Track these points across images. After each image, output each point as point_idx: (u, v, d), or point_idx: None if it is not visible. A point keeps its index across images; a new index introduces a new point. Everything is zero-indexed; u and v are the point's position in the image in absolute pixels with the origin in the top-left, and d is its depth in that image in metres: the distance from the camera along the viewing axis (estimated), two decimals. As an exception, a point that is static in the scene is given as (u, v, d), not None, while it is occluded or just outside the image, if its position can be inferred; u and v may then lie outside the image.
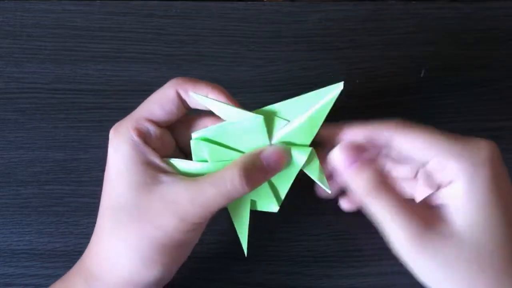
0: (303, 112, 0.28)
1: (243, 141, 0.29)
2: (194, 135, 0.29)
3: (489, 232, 0.25)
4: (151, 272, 0.27)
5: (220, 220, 0.36)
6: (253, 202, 0.31)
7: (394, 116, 0.39)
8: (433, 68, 0.40)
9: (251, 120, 0.28)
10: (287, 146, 0.28)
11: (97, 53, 0.40)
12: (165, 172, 0.28)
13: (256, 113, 0.28)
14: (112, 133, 0.29)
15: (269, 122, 0.29)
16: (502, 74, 0.40)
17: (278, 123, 0.29)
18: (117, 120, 0.38)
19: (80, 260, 0.30)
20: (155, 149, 0.28)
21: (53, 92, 0.39)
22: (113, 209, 0.27)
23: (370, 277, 0.35)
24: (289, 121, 0.29)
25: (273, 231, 0.36)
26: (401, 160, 0.28)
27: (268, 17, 0.42)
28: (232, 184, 0.26)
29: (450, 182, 0.25)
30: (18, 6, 0.41)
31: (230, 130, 0.29)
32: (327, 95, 0.28)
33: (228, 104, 0.28)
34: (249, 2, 0.42)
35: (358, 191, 0.27)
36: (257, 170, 0.27)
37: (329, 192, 0.28)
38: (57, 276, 0.36)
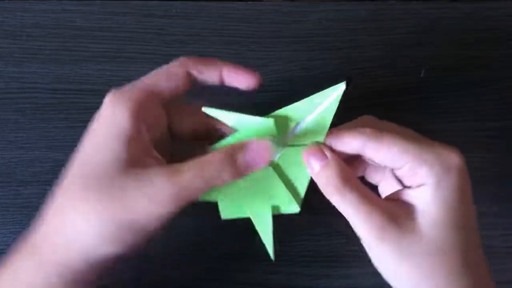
0: (310, 114, 0.29)
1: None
2: (212, 147, 0.29)
3: (448, 234, 0.26)
4: (110, 250, 0.26)
5: (219, 220, 0.36)
6: (274, 208, 0.31)
7: (394, 116, 0.39)
8: (433, 68, 0.40)
9: (263, 123, 0.28)
10: (271, 141, 0.28)
11: (97, 53, 0.40)
12: (152, 157, 0.27)
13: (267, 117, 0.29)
14: (111, 97, 0.27)
15: (280, 125, 0.29)
16: (502, 74, 0.40)
17: (288, 125, 0.29)
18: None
19: (28, 237, 0.27)
20: (148, 125, 0.27)
21: (53, 92, 0.39)
22: (87, 178, 0.25)
23: (370, 277, 0.35)
24: (298, 123, 0.29)
25: (273, 231, 0.36)
26: (373, 164, 0.29)
27: (268, 17, 0.42)
28: (215, 169, 0.26)
29: (418, 185, 0.27)
30: (18, 6, 0.41)
31: (243, 137, 0.29)
32: (331, 95, 0.29)
33: (238, 113, 0.29)
34: (249, 2, 0.42)
35: (324, 188, 0.28)
36: (241, 160, 0.26)
37: None
38: (57, 276, 0.36)
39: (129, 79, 0.40)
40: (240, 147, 0.27)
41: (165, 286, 0.36)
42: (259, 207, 0.30)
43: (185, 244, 0.36)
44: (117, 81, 0.40)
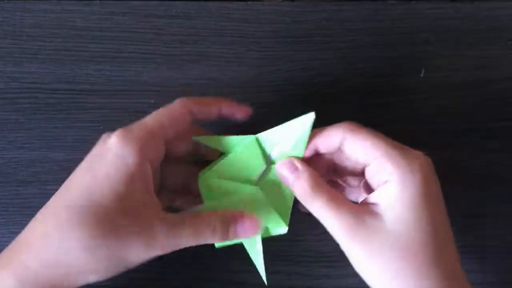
0: (286, 141, 0.31)
1: (243, 169, 0.32)
2: (200, 173, 0.32)
3: (415, 229, 0.27)
4: (92, 279, 0.28)
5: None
6: (263, 231, 0.32)
7: (394, 116, 0.39)
8: (433, 68, 0.40)
9: (246, 139, 0.32)
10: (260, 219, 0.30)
11: (97, 53, 0.40)
12: (152, 199, 0.28)
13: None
14: (119, 136, 0.28)
15: (260, 146, 0.32)
16: (502, 74, 0.40)
17: (267, 148, 0.32)
18: (117, 121, 0.38)
19: (11, 254, 0.28)
20: (151, 164, 0.29)
21: (53, 92, 0.39)
22: (87, 213, 0.26)
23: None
24: (272, 150, 0.32)
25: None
26: (350, 163, 0.31)
27: (268, 17, 0.42)
28: (209, 233, 0.29)
29: (385, 182, 0.28)
30: (18, 6, 0.41)
31: (230, 161, 0.32)
32: (304, 124, 0.31)
33: (223, 136, 0.32)
34: (249, 2, 0.42)
35: (298, 196, 0.30)
36: (233, 230, 0.30)
37: None
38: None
39: (129, 79, 0.40)
40: (235, 218, 0.30)
41: (164, 286, 0.36)
42: None
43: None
44: (117, 81, 0.40)
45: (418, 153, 0.29)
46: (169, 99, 0.39)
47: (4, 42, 0.41)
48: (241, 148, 0.32)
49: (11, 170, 0.38)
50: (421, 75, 0.40)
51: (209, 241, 0.29)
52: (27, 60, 0.40)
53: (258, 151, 0.32)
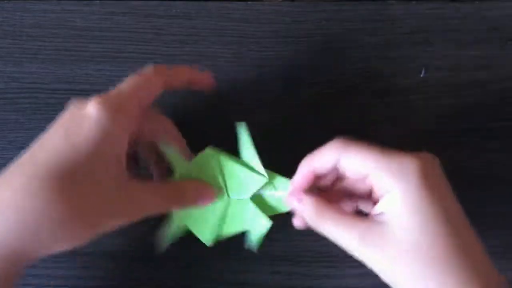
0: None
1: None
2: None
3: (423, 233, 0.27)
4: (64, 247, 0.27)
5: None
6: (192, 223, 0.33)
7: (394, 116, 0.39)
8: (433, 68, 0.40)
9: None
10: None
11: (97, 53, 0.40)
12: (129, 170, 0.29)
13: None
14: (99, 106, 0.28)
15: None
16: (502, 74, 0.40)
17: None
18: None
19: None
20: (130, 136, 0.29)
21: (53, 92, 0.39)
22: (62, 179, 0.26)
23: (370, 277, 0.35)
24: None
25: (273, 231, 0.36)
26: (350, 177, 0.31)
27: (268, 17, 0.42)
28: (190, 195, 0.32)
29: (386, 192, 0.28)
30: (18, 6, 0.41)
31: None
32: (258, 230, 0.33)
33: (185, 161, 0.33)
34: (249, 2, 0.42)
35: (308, 221, 0.31)
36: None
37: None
38: (57, 276, 0.36)
39: (129, 79, 0.40)
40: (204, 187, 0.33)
41: (164, 286, 0.36)
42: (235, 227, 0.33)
43: (185, 244, 0.36)
44: (117, 81, 0.40)
45: (413, 156, 0.28)
46: (169, 98, 0.39)
47: (4, 42, 0.41)
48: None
49: (11, 170, 0.38)
50: (421, 75, 0.40)
51: (181, 205, 0.32)
52: (27, 60, 0.40)
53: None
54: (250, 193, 0.33)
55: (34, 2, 0.41)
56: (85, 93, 0.39)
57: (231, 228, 0.33)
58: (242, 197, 0.33)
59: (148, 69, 0.31)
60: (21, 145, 0.38)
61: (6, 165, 0.38)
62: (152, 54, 0.40)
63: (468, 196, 0.38)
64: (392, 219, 0.28)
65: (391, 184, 0.28)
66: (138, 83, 0.30)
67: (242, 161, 0.34)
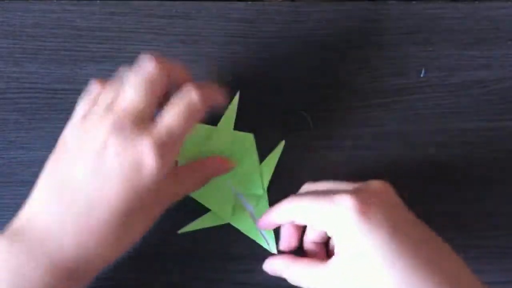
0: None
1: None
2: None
3: (368, 277, 0.27)
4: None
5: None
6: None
7: (394, 116, 0.39)
8: (433, 68, 0.40)
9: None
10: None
11: (97, 53, 0.40)
12: None
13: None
14: (163, 162, 0.29)
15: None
16: (502, 74, 0.40)
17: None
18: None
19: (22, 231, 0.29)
20: None
21: (53, 92, 0.40)
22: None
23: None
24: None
25: (273, 231, 0.36)
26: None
27: (268, 17, 0.42)
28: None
29: (329, 234, 0.29)
30: (18, 6, 0.41)
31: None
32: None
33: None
34: (249, 2, 0.42)
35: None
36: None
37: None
38: (57, 276, 0.36)
39: (129, 79, 0.40)
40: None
41: (164, 285, 0.36)
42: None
43: (185, 244, 0.36)
44: (117, 81, 0.40)
45: (348, 194, 0.28)
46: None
47: (5, 42, 0.41)
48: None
49: (11, 170, 0.38)
50: (421, 75, 0.40)
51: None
52: (28, 60, 0.40)
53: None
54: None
55: (34, 2, 0.42)
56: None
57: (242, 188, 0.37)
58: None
59: (155, 68, 0.30)
60: (21, 145, 0.38)
61: (6, 165, 0.38)
62: (152, 54, 0.40)
63: (468, 196, 0.38)
64: (340, 263, 0.29)
65: (329, 230, 0.29)
66: (190, 120, 0.30)
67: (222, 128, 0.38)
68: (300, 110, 0.39)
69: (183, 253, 0.36)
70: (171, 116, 0.29)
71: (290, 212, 0.31)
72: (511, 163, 0.38)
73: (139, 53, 0.40)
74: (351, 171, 0.38)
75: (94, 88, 0.32)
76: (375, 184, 0.30)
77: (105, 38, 0.41)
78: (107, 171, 0.28)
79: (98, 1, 0.42)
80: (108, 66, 0.40)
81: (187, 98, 0.30)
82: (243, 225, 0.36)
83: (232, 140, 0.37)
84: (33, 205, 0.29)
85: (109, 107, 0.29)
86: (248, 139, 0.37)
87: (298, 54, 0.41)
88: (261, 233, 0.36)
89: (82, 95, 0.33)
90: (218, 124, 0.38)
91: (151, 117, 0.30)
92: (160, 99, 0.30)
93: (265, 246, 0.36)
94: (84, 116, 0.30)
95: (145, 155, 0.28)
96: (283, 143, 0.38)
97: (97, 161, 0.28)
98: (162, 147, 0.28)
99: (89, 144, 0.29)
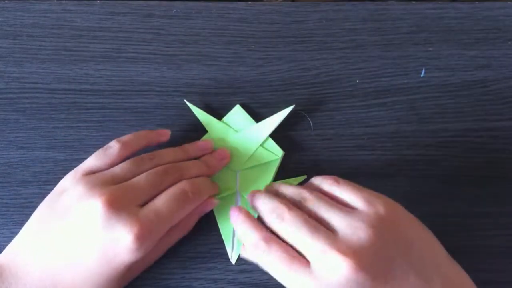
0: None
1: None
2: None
3: None
4: None
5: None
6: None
7: (394, 116, 0.39)
8: (433, 68, 0.40)
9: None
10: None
11: (97, 53, 0.40)
12: None
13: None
14: (144, 244, 0.30)
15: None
16: (502, 74, 0.40)
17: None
18: (118, 121, 0.39)
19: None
20: None
21: (53, 92, 0.40)
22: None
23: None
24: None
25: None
26: None
27: (268, 17, 0.42)
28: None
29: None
30: (18, 6, 0.41)
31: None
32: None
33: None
34: (249, 2, 0.42)
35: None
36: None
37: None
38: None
39: (129, 79, 0.40)
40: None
41: (164, 286, 0.36)
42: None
43: (185, 244, 0.36)
44: (117, 81, 0.40)
45: (341, 258, 0.26)
46: (169, 98, 0.39)
47: (5, 42, 0.41)
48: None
49: (11, 170, 0.38)
50: (421, 75, 0.40)
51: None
52: (28, 60, 0.40)
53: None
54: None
55: (34, 2, 0.42)
56: (85, 93, 0.40)
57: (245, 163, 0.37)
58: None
59: (122, 148, 0.33)
60: (21, 145, 0.38)
61: (6, 165, 0.38)
62: (152, 54, 0.40)
63: (468, 196, 0.38)
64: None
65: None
66: (180, 205, 0.32)
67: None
68: (300, 110, 0.39)
69: (183, 253, 0.36)
70: (160, 201, 0.31)
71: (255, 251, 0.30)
72: (511, 163, 0.38)
73: (139, 53, 0.41)
74: (351, 171, 0.38)
75: (112, 149, 0.33)
76: (382, 212, 0.28)
77: (105, 38, 0.41)
78: (85, 240, 0.30)
79: (98, 1, 0.42)
80: (108, 66, 0.40)
81: (178, 188, 0.32)
82: (224, 223, 0.36)
83: (261, 145, 0.38)
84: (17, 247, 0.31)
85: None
86: (276, 152, 0.37)
87: (298, 54, 0.41)
88: (232, 240, 0.36)
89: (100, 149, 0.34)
90: (260, 123, 0.38)
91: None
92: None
93: (228, 251, 0.36)
94: (87, 174, 0.32)
95: (126, 237, 0.29)
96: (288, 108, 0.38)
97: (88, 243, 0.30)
98: (146, 232, 0.30)
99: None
